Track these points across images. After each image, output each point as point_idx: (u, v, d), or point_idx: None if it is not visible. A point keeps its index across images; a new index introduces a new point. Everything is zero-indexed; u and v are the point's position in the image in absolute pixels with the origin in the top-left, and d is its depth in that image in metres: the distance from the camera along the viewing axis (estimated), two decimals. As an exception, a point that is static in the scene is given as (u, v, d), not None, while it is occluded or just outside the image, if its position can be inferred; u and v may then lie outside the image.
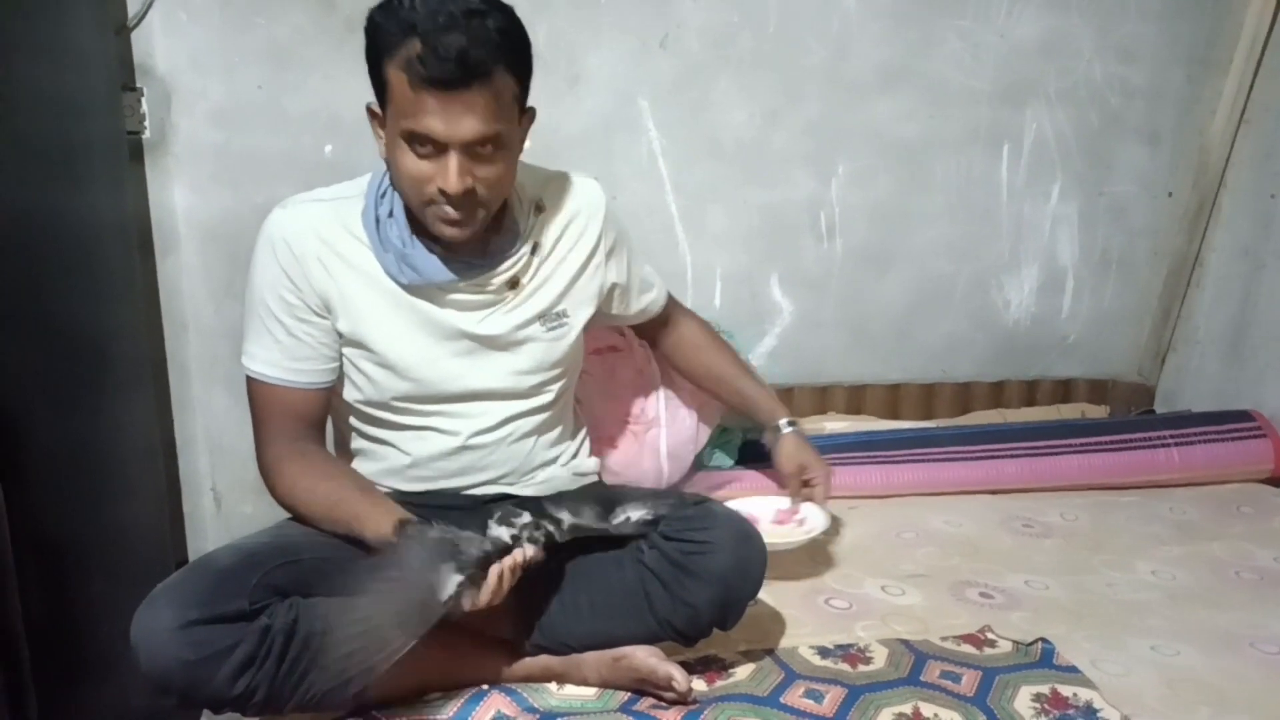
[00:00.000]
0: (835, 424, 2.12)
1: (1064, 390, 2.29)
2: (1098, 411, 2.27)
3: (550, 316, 1.26)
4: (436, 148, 1.07)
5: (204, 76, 1.81)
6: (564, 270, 1.27)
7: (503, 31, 1.05)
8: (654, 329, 1.55)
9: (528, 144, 1.22)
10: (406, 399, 1.23)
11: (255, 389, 1.22)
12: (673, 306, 1.54)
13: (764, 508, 1.57)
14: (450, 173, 1.07)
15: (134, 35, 1.77)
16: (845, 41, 2.00)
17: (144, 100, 1.79)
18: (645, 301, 1.46)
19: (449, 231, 1.13)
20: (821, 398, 2.18)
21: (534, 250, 1.24)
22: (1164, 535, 1.72)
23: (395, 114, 1.07)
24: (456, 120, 1.05)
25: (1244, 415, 2.01)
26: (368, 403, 1.25)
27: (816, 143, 2.06)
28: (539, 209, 1.26)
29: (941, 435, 2.04)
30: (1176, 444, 1.95)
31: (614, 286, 1.36)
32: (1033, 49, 2.06)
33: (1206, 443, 1.95)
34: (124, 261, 1.73)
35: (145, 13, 1.76)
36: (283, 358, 1.20)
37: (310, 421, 1.24)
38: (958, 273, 2.20)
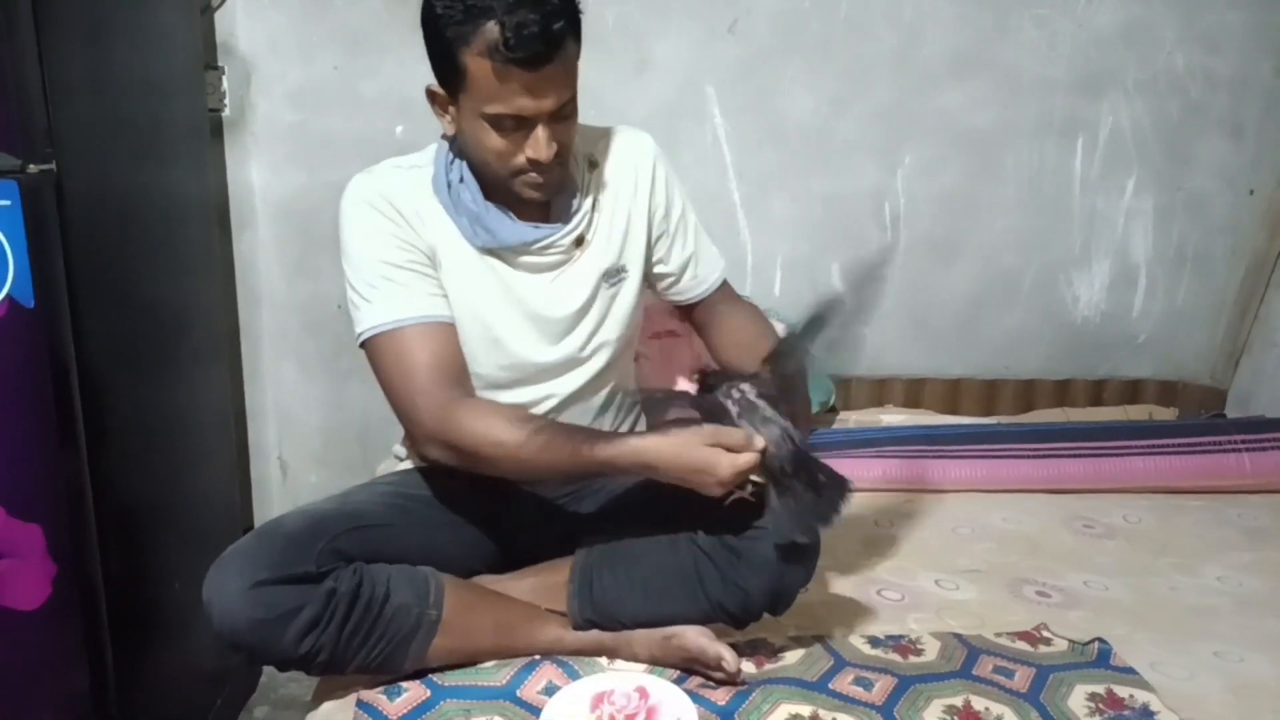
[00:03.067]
0: (892, 417, 2.11)
1: (1132, 391, 2.23)
2: (1166, 414, 2.21)
3: (612, 273, 1.27)
4: (522, 122, 1.10)
5: (282, 58, 1.87)
6: (619, 223, 1.28)
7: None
8: (704, 314, 1.40)
9: None
10: (478, 372, 1.25)
11: (388, 345, 1.15)
12: (729, 294, 1.41)
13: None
14: (540, 143, 1.11)
15: (217, 16, 1.84)
16: (917, 28, 1.98)
17: (225, 79, 1.86)
18: (696, 270, 1.35)
19: (537, 195, 1.17)
20: (879, 390, 2.17)
21: (594, 206, 1.26)
22: (1233, 540, 1.67)
23: (477, 99, 1.09)
24: (543, 94, 1.08)
25: (1322, 421, 1.94)
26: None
27: (884, 131, 2.04)
28: (592, 164, 1.27)
29: (1003, 432, 2.01)
30: (1248, 449, 1.89)
31: (662, 235, 1.32)
32: (1112, 38, 2.01)
33: (1281, 449, 1.89)
34: (203, 237, 1.80)
35: (228, -6, 1.82)
36: (412, 296, 1.17)
37: (455, 374, 1.17)
38: (1026, 266, 2.16)
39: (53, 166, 1.21)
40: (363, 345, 1.19)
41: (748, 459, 1.07)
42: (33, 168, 1.19)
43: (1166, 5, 2.00)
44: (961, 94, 2.02)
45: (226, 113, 1.87)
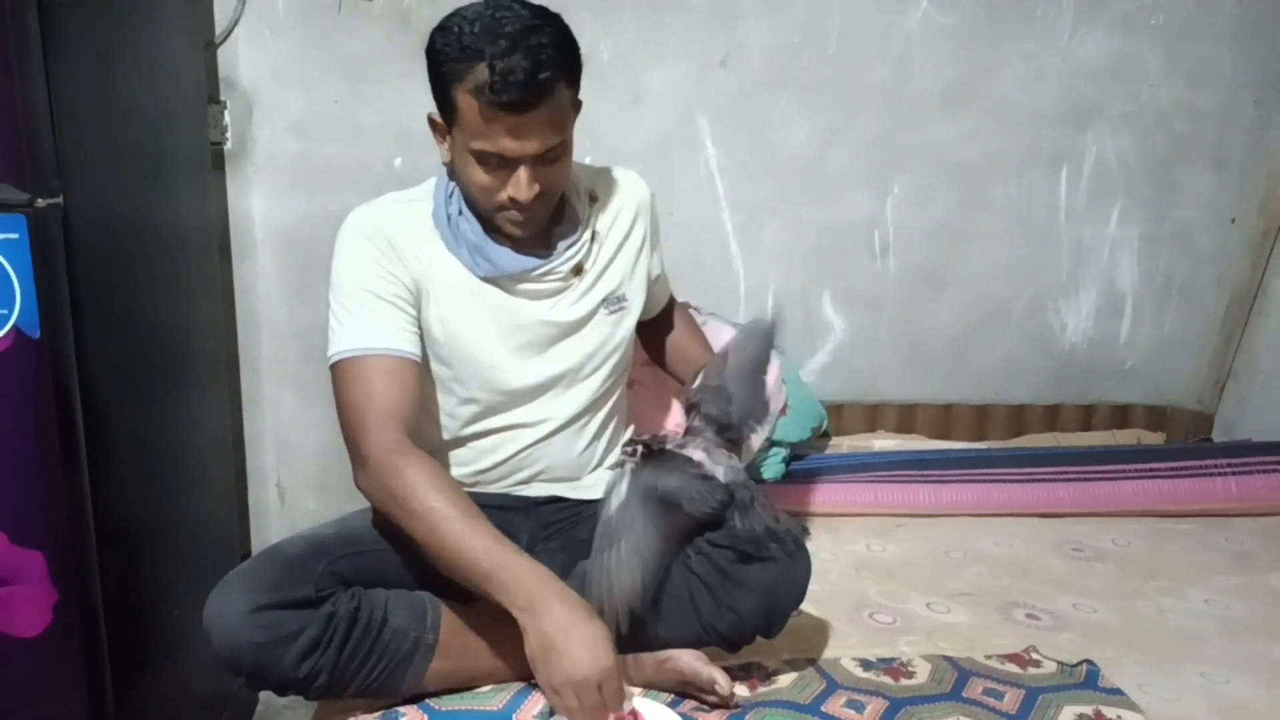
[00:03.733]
0: (885, 442, 2.13)
1: (1121, 416, 2.26)
2: (1154, 438, 2.24)
3: (612, 300, 1.30)
4: (506, 161, 1.13)
5: (284, 89, 1.90)
6: (622, 256, 1.32)
7: (559, 46, 1.10)
8: (654, 321, 1.48)
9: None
10: (474, 397, 1.27)
11: (352, 371, 1.17)
12: (677, 312, 1.53)
13: None
14: (521, 184, 1.13)
15: (220, 50, 1.87)
16: (906, 62, 2.02)
17: (227, 112, 1.89)
18: (664, 293, 1.49)
19: (518, 231, 1.20)
20: (872, 415, 2.19)
21: (593, 238, 1.29)
22: (1220, 564, 1.70)
23: (465, 134, 1.13)
24: (527, 137, 1.10)
25: (1307, 446, 1.97)
26: (434, 403, 1.30)
27: (874, 162, 2.07)
28: (593, 198, 1.31)
29: (993, 456, 2.04)
30: (1234, 473, 1.92)
31: (656, 277, 1.40)
32: (1097, 72, 2.06)
33: (1266, 473, 1.92)
34: (205, 264, 1.82)
35: (232, 29, 1.86)
36: (386, 328, 1.19)
37: (407, 416, 1.17)
38: (1015, 295, 2.19)
39: (60, 200, 1.24)
40: (331, 367, 1.20)
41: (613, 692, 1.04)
42: (40, 201, 1.21)
43: (1150, 40, 2.05)
44: (950, 126, 2.07)
45: (228, 145, 1.90)
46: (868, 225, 2.12)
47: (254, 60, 1.88)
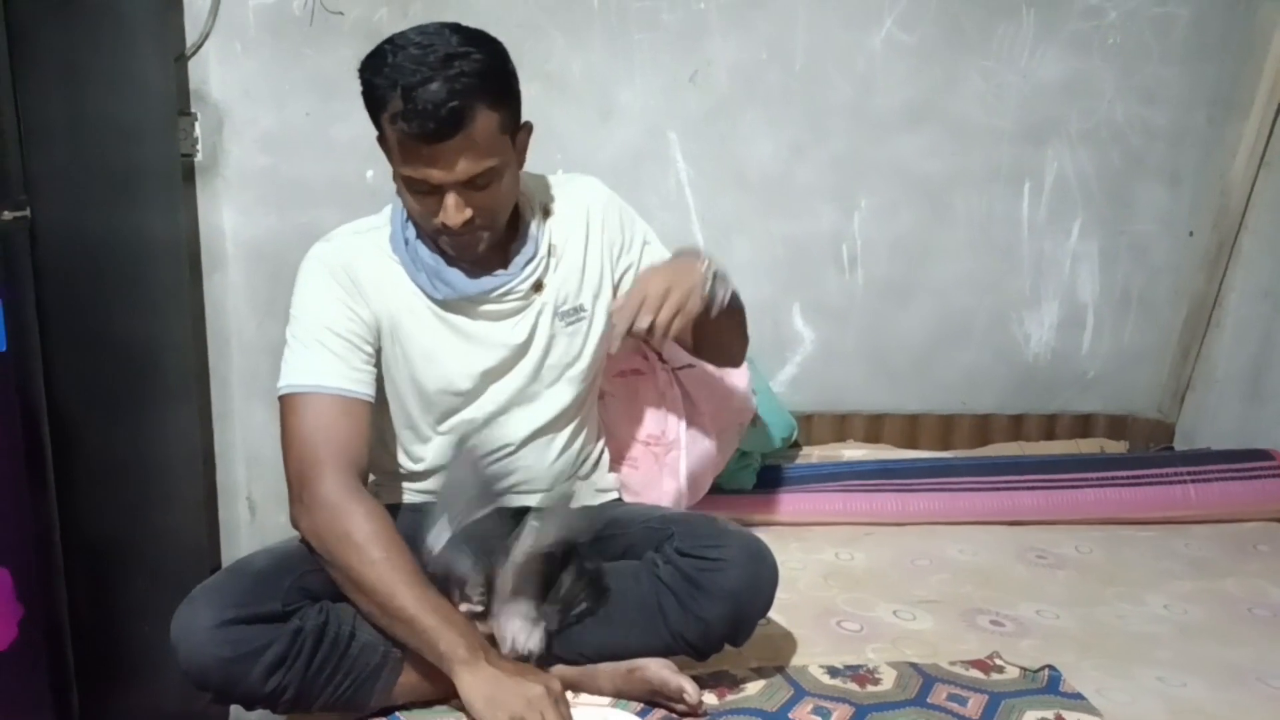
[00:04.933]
0: (853, 451, 2.16)
1: (1083, 425, 2.30)
2: (1117, 447, 2.28)
3: (568, 313, 1.30)
4: (434, 188, 1.13)
5: (255, 104, 1.91)
6: (577, 265, 1.31)
7: (481, 74, 1.09)
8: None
9: (535, 159, 1.25)
10: (442, 413, 1.29)
11: (309, 405, 1.17)
12: None
13: None
14: (448, 210, 1.13)
15: (191, 63, 1.88)
16: (870, 79, 2.06)
17: (198, 125, 1.89)
18: None
19: (461, 255, 1.21)
20: (840, 425, 2.22)
21: (550, 251, 1.29)
22: (1178, 570, 1.74)
23: (394, 159, 1.14)
24: (448, 165, 1.10)
25: (1263, 454, 2.02)
26: (400, 418, 1.31)
27: (840, 177, 2.11)
28: (547, 212, 1.31)
29: (959, 465, 2.07)
30: (1193, 480, 1.97)
31: (629, 268, 1.36)
32: (1055, 90, 2.11)
33: (1224, 480, 1.97)
34: (174, 278, 1.82)
35: (202, 42, 1.86)
36: (341, 367, 1.19)
37: (356, 458, 1.18)
38: (978, 306, 2.24)
39: (27, 213, 1.24)
40: (280, 399, 1.20)
41: None
42: (6, 214, 1.21)
43: (1105, 60, 2.10)
44: (914, 142, 2.11)
45: (199, 158, 1.90)
46: (835, 239, 2.15)
47: (224, 74, 1.89)
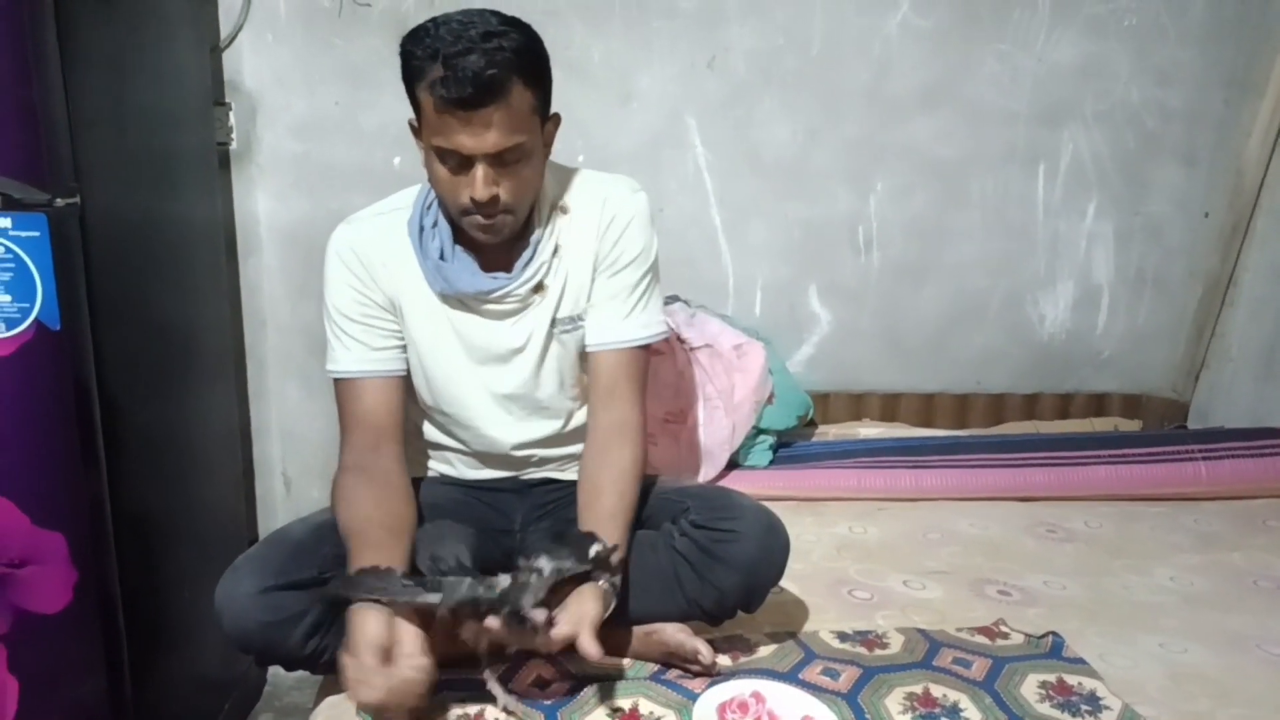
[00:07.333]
0: (869, 429, 2.20)
1: (1098, 404, 2.34)
2: (1131, 426, 2.31)
3: (565, 320, 1.30)
4: (464, 160, 1.16)
5: (287, 93, 1.97)
6: (582, 271, 1.29)
7: (518, 50, 1.12)
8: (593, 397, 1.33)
9: (557, 145, 1.28)
10: (442, 403, 1.34)
11: (339, 389, 1.29)
12: (620, 377, 1.31)
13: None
14: (477, 181, 1.16)
15: (225, 54, 1.94)
16: (886, 64, 2.09)
17: (232, 114, 1.96)
18: (600, 319, 1.30)
19: (483, 236, 1.22)
20: (856, 404, 2.27)
21: (555, 252, 1.28)
22: (1186, 544, 1.77)
23: (427, 131, 1.17)
24: (479, 135, 1.13)
25: (1275, 432, 2.04)
26: (418, 389, 1.37)
27: (856, 160, 2.15)
28: (562, 210, 1.31)
29: (973, 443, 2.11)
30: (1205, 458, 1.99)
31: (596, 277, 1.31)
32: (1070, 72, 2.13)
33: (1235, 458, 1.99)
34: (212, 262, 1.89)
35: (236, 34, 1.93)
36: (363, 351, 1.28)
37: (386, 429, 1.27)
38: (993, 287, 2.27)
39: (77, 200, 1.31)
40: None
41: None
42: (59, 201, 1.28)
43: (1121, 42, 2.12)
44: (929, 125, 2.14)
45: (234, 146, 1.97)
46: (851, 221, 2.19)
47: (257, 64, 1.95)
